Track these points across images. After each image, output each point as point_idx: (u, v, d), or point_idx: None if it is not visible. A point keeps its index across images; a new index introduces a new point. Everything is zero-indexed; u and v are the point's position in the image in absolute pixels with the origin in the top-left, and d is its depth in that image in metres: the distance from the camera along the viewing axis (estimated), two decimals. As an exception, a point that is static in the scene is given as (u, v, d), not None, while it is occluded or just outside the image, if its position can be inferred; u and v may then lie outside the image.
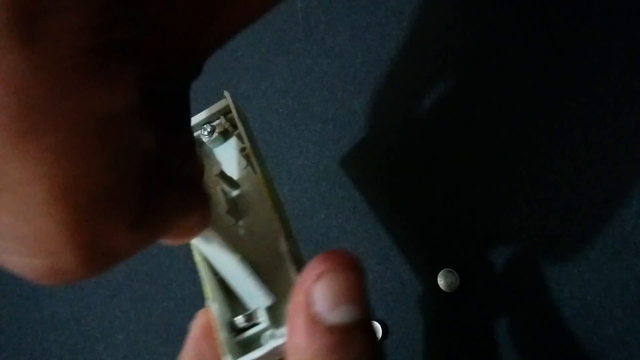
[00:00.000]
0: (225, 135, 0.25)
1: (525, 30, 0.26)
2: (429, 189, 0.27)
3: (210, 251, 0.20)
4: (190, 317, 0.19)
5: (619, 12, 0.24)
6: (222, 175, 0.24)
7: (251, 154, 0.23)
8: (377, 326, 0.27)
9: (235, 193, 0.24)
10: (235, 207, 0.24)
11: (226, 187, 0.24)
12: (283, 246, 0.20)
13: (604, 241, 0.23)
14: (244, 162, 0.24)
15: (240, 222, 0.23)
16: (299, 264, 0.19)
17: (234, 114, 0.24)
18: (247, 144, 0.23)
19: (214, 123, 0.25)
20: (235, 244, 0.21)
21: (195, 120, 0.25)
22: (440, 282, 0.26)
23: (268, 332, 0.19)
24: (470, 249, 0.26)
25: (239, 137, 0.24)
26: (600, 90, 0.24)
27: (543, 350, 0.24)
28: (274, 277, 0.20)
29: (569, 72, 0.25)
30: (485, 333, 0.25)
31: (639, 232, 0.22)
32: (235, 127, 0.24)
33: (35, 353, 0.36)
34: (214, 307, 0.19)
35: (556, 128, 0.25)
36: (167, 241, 0.15)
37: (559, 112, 0.25)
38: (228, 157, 0.25)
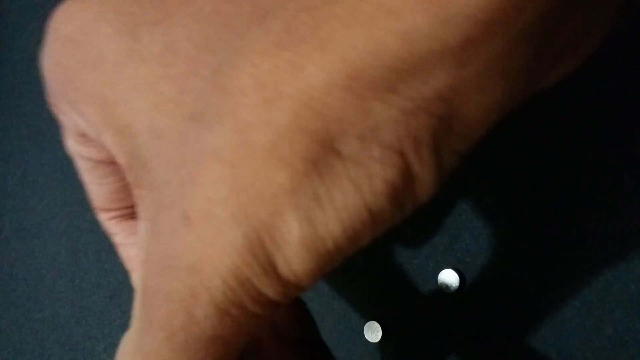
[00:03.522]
0: None
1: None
2: (429, 189, 0.27)
3: None
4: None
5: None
6: None
7: None
8: (377, 326, 0.27)
9: None
10: None
11: None
12: None
13: (604, 241, 0.23)
14: None
15: None
16: None
17: None
18: None
19: None
20: None
21: None
22: (440, 282, 0.26)
23: None
24: (470, 249, 0.26)
25: None
26: (600, 89, 0.24)
27: (543, 350, 0.24)
28: None
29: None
30: (485, 333, 0.25)
31: (639, 232, 0.22)
32: None
33: (35, 353, 0.36)
34: None
35: (556, 128, 0.25)
36: None
37: (559, 111, 0.25)
38: None
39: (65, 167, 0.39)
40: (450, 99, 0.10)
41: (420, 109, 0.10)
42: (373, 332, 0.27)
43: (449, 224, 0.26)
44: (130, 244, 0.19)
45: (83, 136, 0.16)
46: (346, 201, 0.11)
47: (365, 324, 0.27)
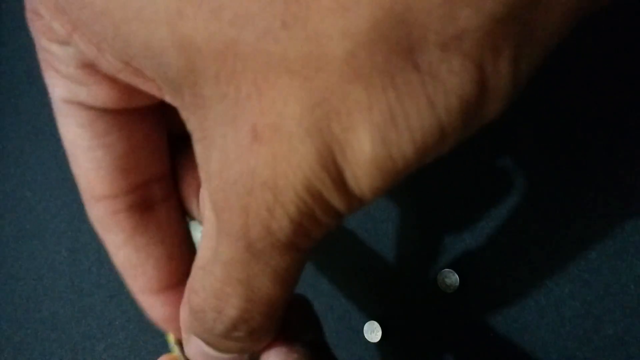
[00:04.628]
0: None
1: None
2: (429, 189, 0.27)
3: None
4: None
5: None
6: None
7: None
8: (377, 326, 0.27)
9: None
10: None
11: None
12: None
13: (604, 241, 0.23)
14: None
15: None
16: None
17: None
18: None
19: None
20: None
21: None
22: (440, 282, 0.26)
23: None
24: (470, 249, 0.26)
25: None
26: (602, 89, 0.24)
27: (543, 350, 0.24)
28: None
29: (569, 71, 0.25)
30: (485, 333, 0.25)
31: (639, 232, 0.22)
32: None
33: (35, 353, 0.36)
34: (176, 348, 0.19)
35: (556, 127, 0.25)
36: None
37: (558, 111, 0.25)
38: None
39: (65, 167, 0.39)
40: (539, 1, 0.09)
41: (510, 15, 0.09)
42: (373, 332, 0.27)
43: (449, 224, 0.26)
44: (141, 245, 0.16)
45: (86, 68, 0.13)
46: (421, 121, 0.10)
47: (365, 324, 0.27)
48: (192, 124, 0.12)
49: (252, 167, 0.11)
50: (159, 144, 0.16)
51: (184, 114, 0.12)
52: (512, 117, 0.26)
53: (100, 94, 0.14)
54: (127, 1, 0.11)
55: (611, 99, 0.24)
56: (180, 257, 0.17)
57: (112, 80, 0.13)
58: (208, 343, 0.15)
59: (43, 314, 0.37)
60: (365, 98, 0.10)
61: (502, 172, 0.26)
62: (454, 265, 0.26)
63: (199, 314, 0.14)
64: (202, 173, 0.12)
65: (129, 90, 0.14)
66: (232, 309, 0.14)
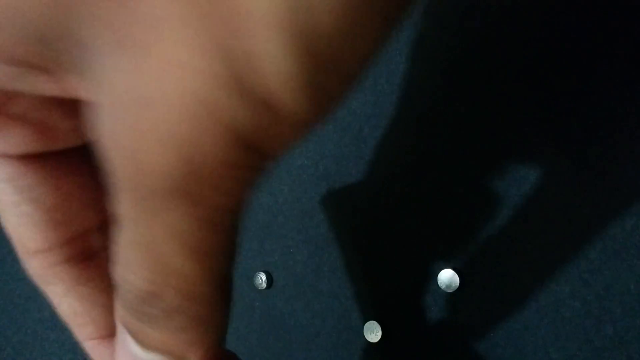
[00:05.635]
0: None
1: (532, 30, 0.26)
2: (429, 189, 0.27)
3: None
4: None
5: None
6: None
7: None
8: (377, 326, 0.27)
9: None
10: None
11: None
12: None
13: (604, 241, 0.23)
14: None
15: None
16: None
17: None
18: None
19: None
20: None
21: None
22: (440, 282, 0.26)
23: None
24: (470, 249, 0.26)
25: None
26: (602, 89, 0.24)
27: (543, 350, 0.24)
28: None
29: (572, 68, 0.25)
30: (485, 333, 0.25)
31: (639, 232, 0.22)
32: None
33: (35, 353, 0.36)
34: None
35: (557, 127, 0.25)
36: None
37: (560, 111, 0.25)
38: None
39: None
40: None
41: None
42: (373, 332, 0.27)
43: (449, 224, 0.26)
44: (85, 294, 0.15)
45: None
46: None
47: (365, 324, 0.27)
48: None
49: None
50: (92, 193, 0.15)
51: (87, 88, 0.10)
52: (511, 117, 0.26)
53: (13, 138, 0.12)
54: None
55: (611, 98, 0.24)
56: None
57: (19, 118, 0.12)
58: (131, 332, 0.13)
59: (43, 314, 0.37)
60: None
61: (502, 172, 0.26)
62: (454, 265, 0.26)
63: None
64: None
65: (42, 125, 0.12)
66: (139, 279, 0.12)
